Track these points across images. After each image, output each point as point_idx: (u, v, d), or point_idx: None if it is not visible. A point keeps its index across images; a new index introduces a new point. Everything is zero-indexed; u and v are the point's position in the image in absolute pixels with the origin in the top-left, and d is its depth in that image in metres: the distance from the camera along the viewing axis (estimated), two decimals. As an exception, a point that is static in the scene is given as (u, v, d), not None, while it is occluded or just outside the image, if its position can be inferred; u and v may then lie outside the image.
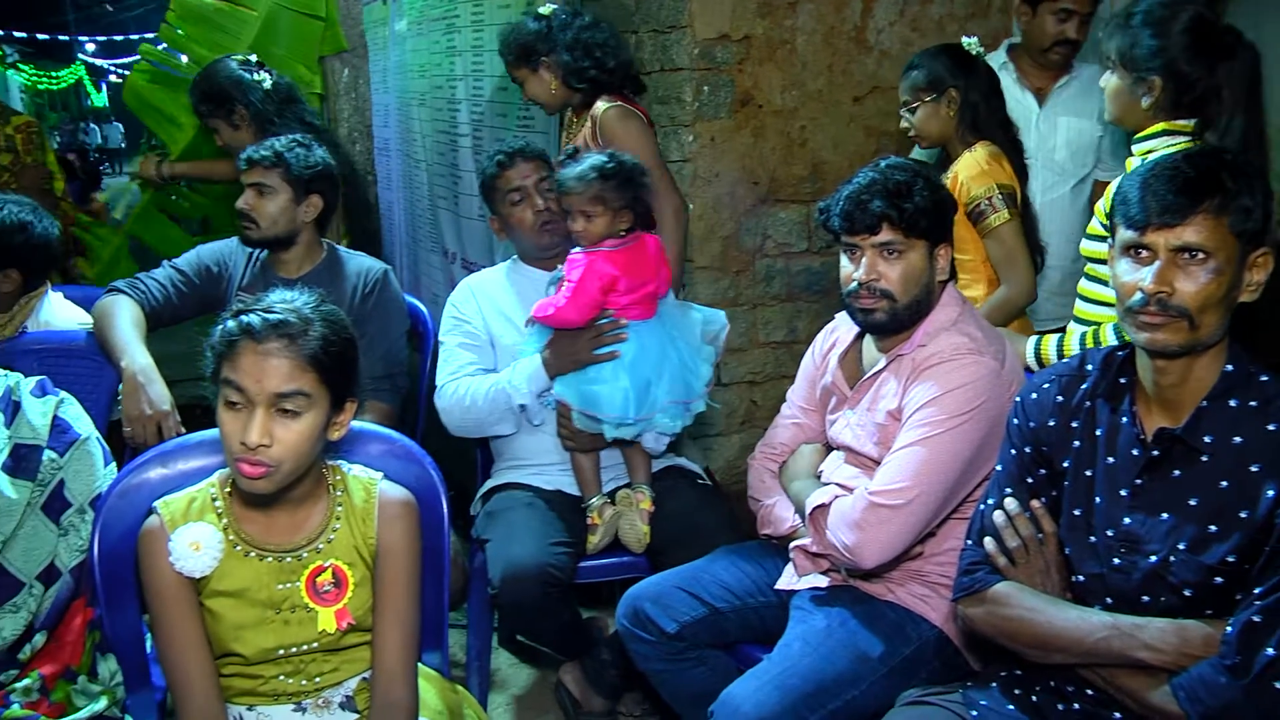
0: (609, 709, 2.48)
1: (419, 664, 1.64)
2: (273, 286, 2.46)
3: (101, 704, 1.65)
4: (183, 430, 2.07)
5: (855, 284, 1.90)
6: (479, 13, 3.78)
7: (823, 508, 1.89)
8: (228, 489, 1.58)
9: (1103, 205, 2.09)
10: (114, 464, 1.79)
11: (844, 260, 1.94)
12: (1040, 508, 1.62)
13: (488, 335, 2.47)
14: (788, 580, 2.01)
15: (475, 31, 3.86)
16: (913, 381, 1.88)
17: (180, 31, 3.86)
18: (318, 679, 1.57)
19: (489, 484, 2.50)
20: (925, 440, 1.80)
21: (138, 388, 2.13)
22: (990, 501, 1.66)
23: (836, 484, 1.97)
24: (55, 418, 1.72)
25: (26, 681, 1.62)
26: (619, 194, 2.27)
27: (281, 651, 1.54)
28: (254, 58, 3.44)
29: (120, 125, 24.21)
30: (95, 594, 1.68)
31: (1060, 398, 1.62)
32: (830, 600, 1.92)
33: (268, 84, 3.36)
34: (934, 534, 1.88)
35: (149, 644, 1.78)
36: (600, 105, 2.85)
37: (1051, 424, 1.61)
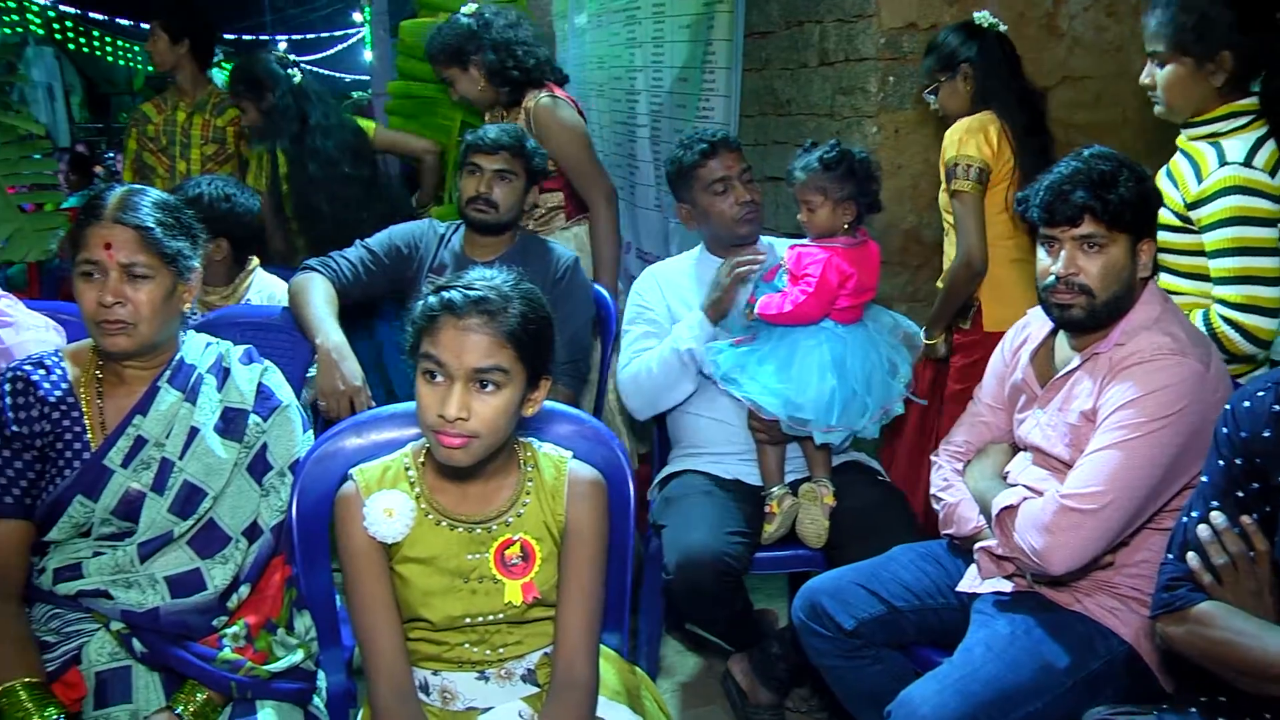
0: (776, 703, 2.46)
1: (599, 644, 1.65)
2: (465, 269, 2.58)
3: (298, 656, 1.72)
4: (373, 405, 2.17)
5: (1052, 278, 1.82)
6: (660, 5, 3.82)
7: (1010, 509, 1.83)
8: (421, 460, 1.63)
9: (1180, 197, 2.08)
10: (311, 430, 1.86)
11: (1041, 253, 1.86)
12: (1251, 524, 1.50)
13: (671, 324, 2.48)
14: (970, 583, 1.94)
15: (656, 23, 3.89)
16: (1109, 382, 1.78)
17: (408, 56, 4.03)
18: (501, 650, 1.60)
19: (667, 470, 2.52)
20: (1122, 444, 1.71)
21: (332, 364, 2.21)
22: (1194, 514, 1.55)
23: (1024, 485, 1.89)
24: (260, 384, 1.80)
25: (235, 628, 1.70)
26: (841, 184, 2.27)
27: (468, 620, 1.58)
28: (291, 55, 3.64)
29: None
30: (293, 553, 1.77)
31: (1277, 406, 1.51)
32: (1014, 606, 1.85)
33: (296, 79, 3.59)
34: (1127, 543, 1.78)
35: (339, 604, 1.87)
36: (532, 98, 3.08)
37: (1266, 435, 1.50)
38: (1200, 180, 2.05)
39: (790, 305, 2.27)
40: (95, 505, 1.66)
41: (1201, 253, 2.07)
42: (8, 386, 1.69)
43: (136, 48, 12.92)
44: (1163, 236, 2.06)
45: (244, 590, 1.73)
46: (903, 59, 2.99)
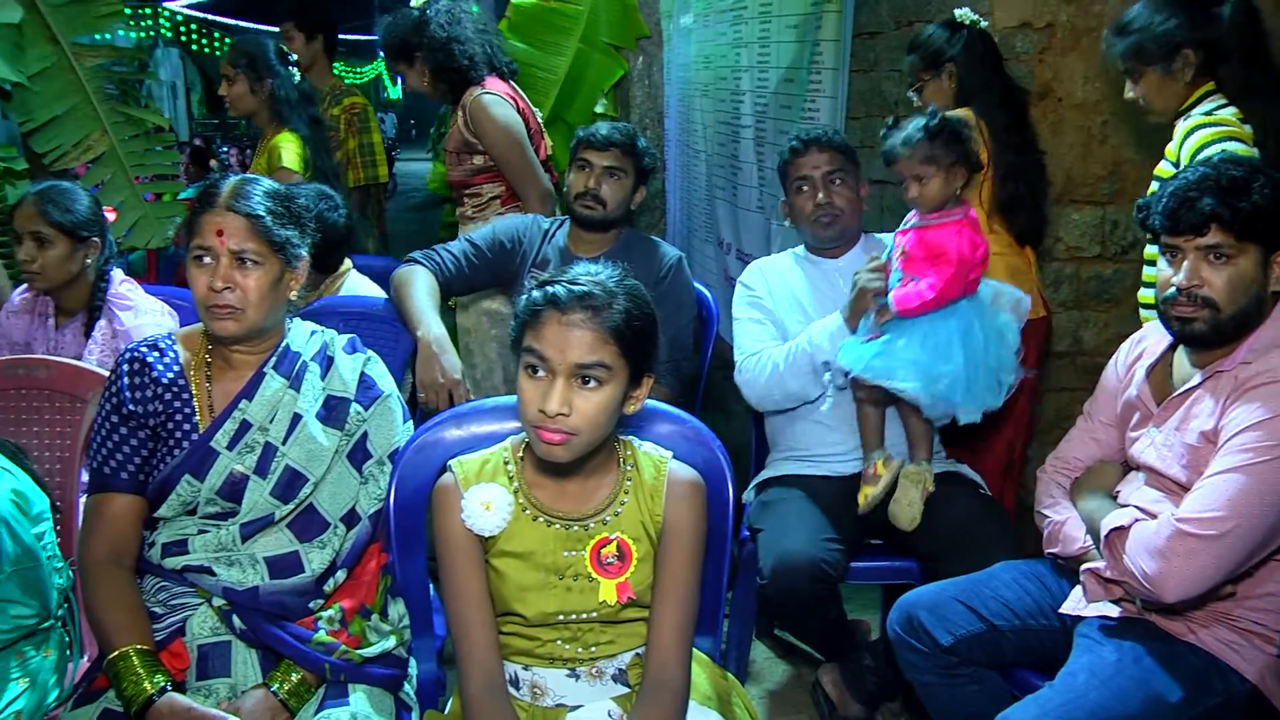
0: (866, 716, 2.40)
1: (692, 647, 1.61)
2: (569, 264, 2.59)
3: (391, 642, 1.73)
4: (472, 397, 2.18)
5: (1173, 290, 1.73)
6: (767, 5, 3.77)
7: (1121, 530, 1.74)
8: (520, 454, 1.62)
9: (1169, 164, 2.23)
10: (411, 421, 1.87)
11: (1162, 263, 1.78)
12: None
13: (774, 318, 2.45)
14: (1074, 604, 1.86)
15: (763, 23, 3.86)
16: (1234, 402, 1.68)
17: (512, 38, 4.07)
18: (593, 648, 1.59)
19: (764, 474, 2.48)
20: (1247, 468, 1.61)
21: (433, 356, 2.23)
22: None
23: (1136, 507, 1.81)
24: (362, 374, 1.81)
25: (330, 612, 1.72)
26: (948, 150, 2.18)
27: (561, 617, 1.57)
28: (293, 55, 3.71)
29: (394, 115, 26.52)
30: (389, 540, 1.78)
31: None
32: (1122, 632, 1.76)
33: (296, 79, 3.63)
34: (1250, 574, 1.68)
35: (433, 593, 1.87)
36: (470, 94, 3.16)
37: None
38: (1175, 142, 2.25)
39: (932, 292, 2.18)
40: (201, 485, 1.70)
41: None
42: (125, 367, 1.74)
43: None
44: None
45: (340, 575, 1.75)
46: (1015, 58, 2.90)
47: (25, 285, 2.63)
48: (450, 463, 1.62)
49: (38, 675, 1.81)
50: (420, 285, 2.41)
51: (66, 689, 1.87)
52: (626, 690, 1.60)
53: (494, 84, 3.23)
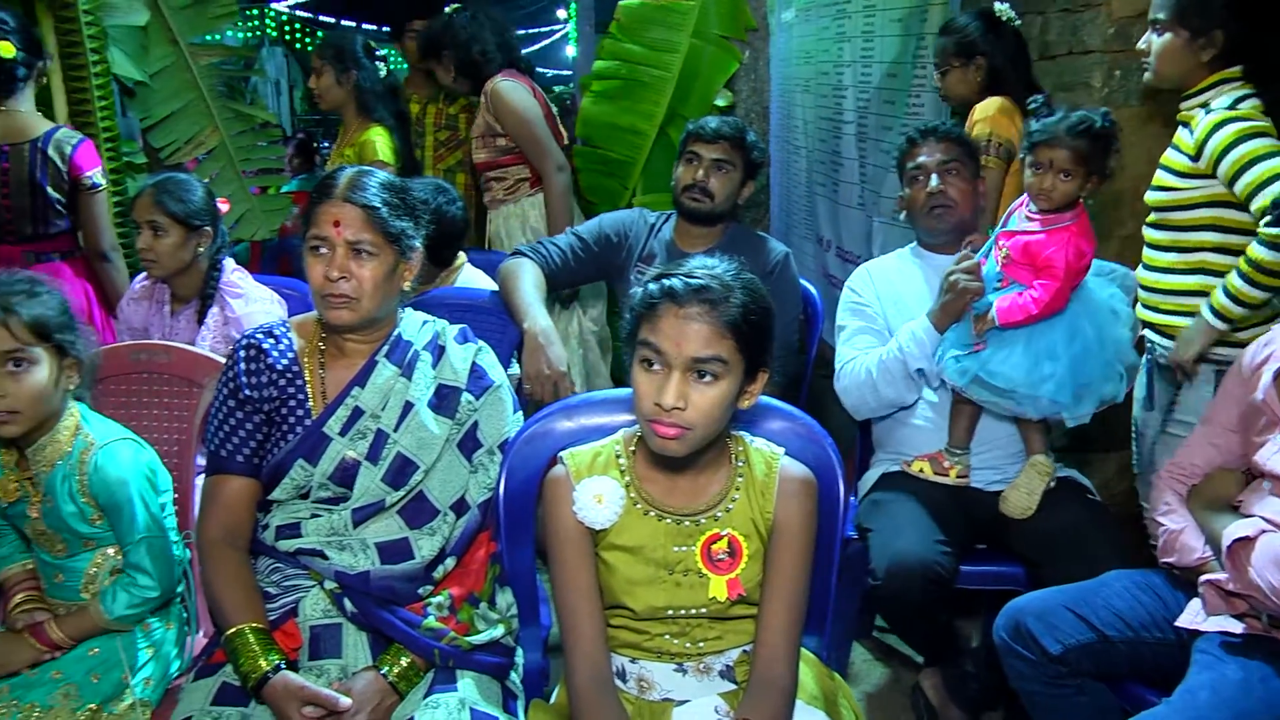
0: (968, 723, 2.36)
1: (800, 646, 1.60)
2: (675, 258, 2.59)
3: (499, 631, 1.74)
4: (576, 390, 2.19)
5: None
6: (870, -8, 3.72)
7: (1245, 541, 1.67)
8: (632, 448, 1.61)
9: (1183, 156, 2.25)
10: (520, 412, 1.88)
11: None
12: None
13: (884, 321, 2.41)
14: (1191, 618, 1.78)
15: (867, 17, 3.79)
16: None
17: (622, 39, 4.08)
18: (701, 644, 1.57)
19: (871, 474, 2.45)
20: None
21: (539, 348, 2.24)
22: None
23: (1262, 518, 1.73)
24: (474, 364, 1.82)
25: (439, 598, 1.73)
26: (1101, 157, 2.14)
27: (670, 612, 1.56)
28: (379, 50, 3.74)
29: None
30: (498, 530, 1.79)
31: None
32: (1247, 650, 1.67)
33: (382, 72, 3.68)
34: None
35: (541, 584, 1.88)
36: (491, 81, 3.51)
37: None
38: (1194, 133, 2.21)
39: (1036, 307, 2.13)
40: (314, 470, 1.72)
41: (1215, 203, 2.22)
42: (242, 353, 1.78)
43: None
44: (1168, 195, 2.29)
45: (450, 562, 1.76)
46: (1130, 51, 2.80)
47: (144, 273, 2.73)
48: (562, 455, 1.63)
49: (161, 646, 1.88)
50: (527, 278, 2.43)
51: (185, 661, 1.93)
52: (733, 687, 1.59)
53: (510, 74, 3.58)
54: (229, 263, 2.66)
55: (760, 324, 1.49)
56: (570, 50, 8.69)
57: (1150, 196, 2.37)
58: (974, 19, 2.85)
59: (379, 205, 1.71)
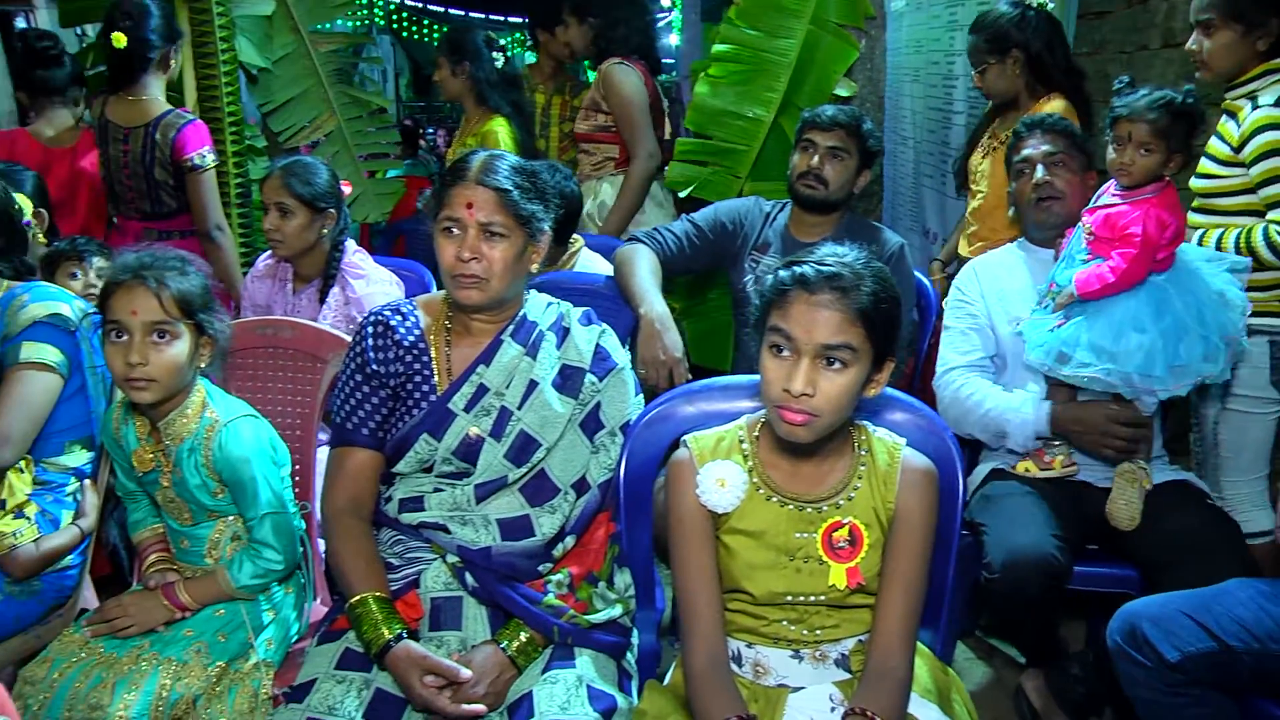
0: (1070, 728, 2.28)
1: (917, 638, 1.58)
2: (790, 247, 2.57)
3: (617, 610, 1.75)
4: (690, 377, 2.19)
5: None
6: (985, -21, 3.63)
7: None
8: (756, 434, 1.61)
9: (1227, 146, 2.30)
10: (641, 395, 1.88)
11: None
12: None
13: (988, 319, 2.36)
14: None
15: (980, 4, 3.71)
16: None
17: (739, 25, 4.05)
18: (818, 631, 1.57)
19: (982, 468, 2.39)
20: None
21: (655, 334, 2.24)
22: None
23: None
24: (598, 346, 1.83)
25: (559, 576, 1.75)
26: (1184, 134, 2.09)
27: (789, 598, 1.55)
28: (500, 41, 3.77)
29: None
30: (618, 511, 1.79)
31: None
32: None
33: (499, 63, 3.73)
34: None
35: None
36: (609, 62, 3.65)
37: None
38: (1240, 126, 2.27)
39: (1114, 275, 2.08)
40: (438, 444, 1.75)
41: (1249, 190, 2.27)
42: (370, 329, 1.81)
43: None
44: (1212, 183, 2.35)
45: (569, 541, 1.77)
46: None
47: (269, 252, 2.80)
48: (685, 438, 1.63)
49: (281, 610, 1.94)
50: (643, 263, 2.43)
51: (303, 626, 1.99)
52: (848, 676, 1.57)
53: (628, 59, 3.70)
54: (350, 244, 2.72)
55: (889, 313, 1.48)
56: (674, 38, 8.66)
57: (1195, 184, 2.40)
58: (999, 15, 2.83)
59: (511, 189, 1.72)
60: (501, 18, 13.23)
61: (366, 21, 11.07)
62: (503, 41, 3.87)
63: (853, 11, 4.09)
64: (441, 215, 1.74)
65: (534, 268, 1.81)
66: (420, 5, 13.02)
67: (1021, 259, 2.41)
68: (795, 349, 1.45)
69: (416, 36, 13.15)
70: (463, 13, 12.69)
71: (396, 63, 12.92)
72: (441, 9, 13.16)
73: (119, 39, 3.12)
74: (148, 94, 3.17)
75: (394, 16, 12.52)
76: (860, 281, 1.45)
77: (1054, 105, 2.70)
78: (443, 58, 3.68)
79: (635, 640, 1.83)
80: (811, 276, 1.45)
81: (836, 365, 1.45)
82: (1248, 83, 2.32)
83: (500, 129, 3.53)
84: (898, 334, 1.52)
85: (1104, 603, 2.51)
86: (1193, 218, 2.39)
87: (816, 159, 2.55)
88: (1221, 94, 2.43)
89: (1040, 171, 2.32)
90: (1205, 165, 2.37)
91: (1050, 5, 2.77)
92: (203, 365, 1.89)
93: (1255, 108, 2.26)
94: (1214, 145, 2.35)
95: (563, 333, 1.84)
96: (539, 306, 1.86)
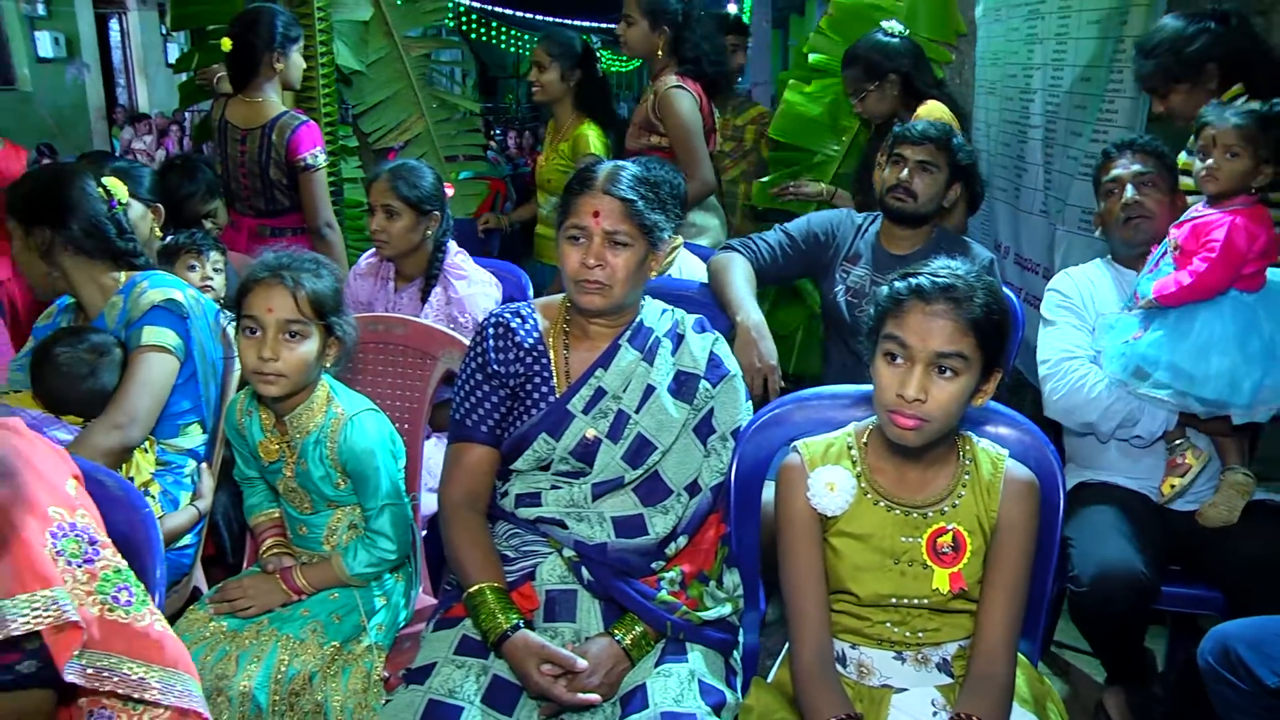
0: (1151, 749, 2.27)
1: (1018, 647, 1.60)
2: (880, 260, 2.58)
3: (727, 609, 1.79)
4: (783, 385, 2.21)
5: None
6: (1068, -6, 3.60)
7: None
8: (864, 440, 1.65)
9: None
10: (751, 401, 1.92)
11: None
12: None
13: (1092, 321, 2.34)
14: None
15: (1061, 18, 3.68)
16: None
17: (830, 35, 4.06)
18: (921, 634, 1.60)
19: (1069, 481, 2.39)
20: None
21: (751, 341, 2.26)
22: None
23: None
24: (711, 353, 1.87)
25: (671, 574, 1.79)
26: (1276, 148, 2.07)
27: (894, 600, 1.59)
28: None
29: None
30: (728, 512, 1.83)
31: None
32: None
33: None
34: None
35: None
36: (665, 81, 3.44)
37: None
38: None
39: (1191, 277, 2.07)
40: (556, 444, 1.80)
41: None
42: (491, 330, 1.87)
43: (526, 36, 14.18)
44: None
45: (681, 540, 1.81)
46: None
47: (371, 250, 2.86)
48: (796, 444, 1.67)
49: (392, 596, 2.00)
50: (738, 272, 2.45)
51: (410, 613, 2.05)
52: (950, 680, 1.60)
53: (687, 80, 3.50)
54: (452, 245, 2.77)
55: (1000, 324, 1.52)
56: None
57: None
58: (870, 49, 3.24)
59: (636, 199, 1.77)
60: (569, 21, 13.30)
61: (436, 24, 11.22)
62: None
63: (944, 27, 4.08)
64: (567, 223, 1.79)
65: (653, 275, 1.85)
66: (489, 8, 13.15)
67: (1109, 277, 2.40)
68: (909, 356, 1.50)
69: (484, 38, 13.29)
70: (531, 15, 12.79)
71: (463, 64, 13.06)
72: (510, 11, 13.27)
73: (225, 44, 3.23)
74: (263, 96, 3.27)
75: (463, 19, 12.67)
76: (973, 293, 1.50)
77: (934, 105, 3.02)
78: (554, 60, 3.61)
79: (740, 639, 1.86)
80: (927, 287, 1.50)
81: (948, 373, 1.49)
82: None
83: (591, 133, 3.55)
84: (1005, 345, 1.56)
85: (1185, 622, 2.50)
86: None
87: (906, 172, 2.56)
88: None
89: (1130, 191, 2.31)
90: (1185, 182, 2.43)
91: (905, 31, 3.24)
92: (328, 365, 1.95)
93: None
94: (1184, 159, 2.45)
95: (677, 339, 1.87)
96: (655, 313, 1.90)
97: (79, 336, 2.12)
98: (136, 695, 1.27)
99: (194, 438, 2.26)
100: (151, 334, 2.12)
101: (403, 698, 1.65)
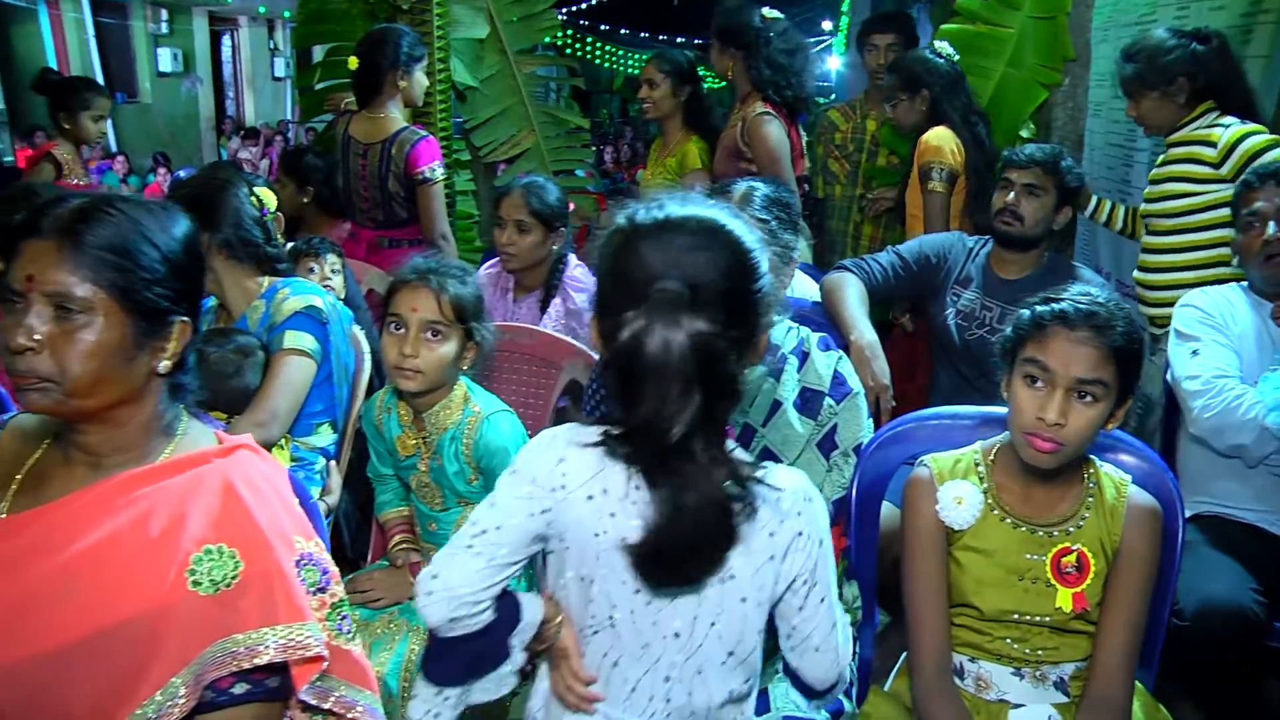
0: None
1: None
2: (990, 284, 2.58)
3: (846, 619, 1.81)
4: (894, 404, 2.23)
5: None
6: (1183, 13, 3.54)
7: None
8: (991, 457, 1.66)
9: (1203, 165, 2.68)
10: (872, 419, 1.96)
11: None
12: None
13: (1228, 334, 2.25)
14: None
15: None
16: None
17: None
18: (1040, 652, 1.60)
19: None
20: None
21: (865, 360, 2.26)
22: None
23: None
24: (835, 371, 1.91)
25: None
26: None
27: (1015, 616, 1.59)
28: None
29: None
30: (848, 526, 1.85)
31: None
32: None
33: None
34: None
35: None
36: (753, 108, 3.49)
37: None
38: (1215, 146, 2.63)
39: None
40: None
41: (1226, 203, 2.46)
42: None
43: (621, 52, 14.31)
44: (1188, 201, 2.71)
45: None
46: None
47: (492, 261, 2.95)
48: (925, 459, 1.69)
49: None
50: (852, 291, 2.48)
51: None
52: (1066, 700, 1.61)
53: (771, 106, 3.52)
54: (571, 258, 2.84)
55: (1138, 353, 1.54)
56: (834, 61, 8.60)
57: (1160, 205, 2.78)
58: (916, 60, 3.44)
59: (769, 219, 1.81)
60: (665, 38, 13.39)
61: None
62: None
63: (1052, 54, 4.06)
64: None
65: (784, 292, 1.88)
66: (585, 24, 13.32)
67: (1246, 303, 2.30)
68: (1051, 381, 1.52)
69: (581, 54, 13.46)
70: (628, 32, 12.91)
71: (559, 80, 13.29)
72: (606, 27, 13.42)
73: (351, 62, 3.35)
74: (385, 112, 3.38)
75: (559, 34, 12.86)
76: (1114, 321, 1.51)
77: (943, 132, 3.31)
78: (666, 78, 3.65)
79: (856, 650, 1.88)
80: (1071, 313, 1.52)
81: (1088, 399, 1.51)
82: (1191, 122, 2.72)
83: (696, 149, 3.60)
84: (1139, 373, 1.57)
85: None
86: (1151, 240, 2.82)
87: (1012, 196, 2.56)
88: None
89: (1272, 228, 2.21)
90: (1178, 187, 2.72)
91: (956, 57, 3.42)
92: (465, 367, 2.02)
93: (1226, 127, 2.63)
94: (1189, 169, 2.69)
95: (803, 356, 1.91)
96: (780, 330, 1.94)
97: (226, 337, 2.23)
98: (349, 715, 1.30)
99: (325, 436, 2.35)
100: (293, 338, 2.20)
101: (536, 686, 1.70)
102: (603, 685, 1.32)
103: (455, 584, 1.27)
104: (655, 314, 1.13)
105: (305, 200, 3.59)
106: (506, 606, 1.31)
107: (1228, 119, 2.66)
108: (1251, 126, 2.59)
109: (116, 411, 1.25)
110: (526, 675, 1.43)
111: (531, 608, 1.33)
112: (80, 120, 3.95)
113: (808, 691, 1.43)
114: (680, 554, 1.18)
